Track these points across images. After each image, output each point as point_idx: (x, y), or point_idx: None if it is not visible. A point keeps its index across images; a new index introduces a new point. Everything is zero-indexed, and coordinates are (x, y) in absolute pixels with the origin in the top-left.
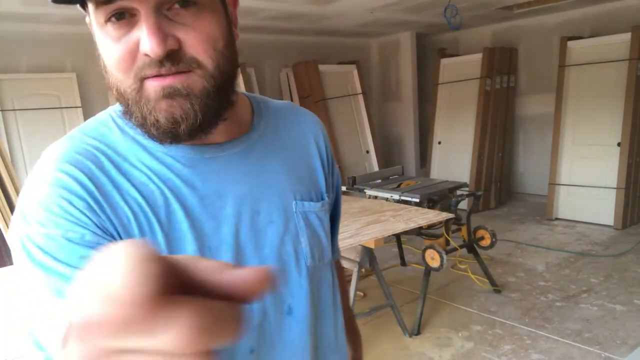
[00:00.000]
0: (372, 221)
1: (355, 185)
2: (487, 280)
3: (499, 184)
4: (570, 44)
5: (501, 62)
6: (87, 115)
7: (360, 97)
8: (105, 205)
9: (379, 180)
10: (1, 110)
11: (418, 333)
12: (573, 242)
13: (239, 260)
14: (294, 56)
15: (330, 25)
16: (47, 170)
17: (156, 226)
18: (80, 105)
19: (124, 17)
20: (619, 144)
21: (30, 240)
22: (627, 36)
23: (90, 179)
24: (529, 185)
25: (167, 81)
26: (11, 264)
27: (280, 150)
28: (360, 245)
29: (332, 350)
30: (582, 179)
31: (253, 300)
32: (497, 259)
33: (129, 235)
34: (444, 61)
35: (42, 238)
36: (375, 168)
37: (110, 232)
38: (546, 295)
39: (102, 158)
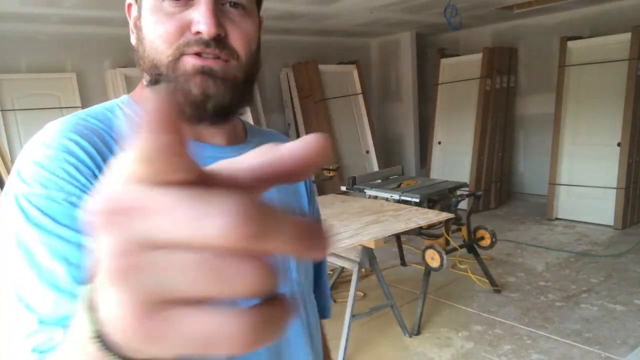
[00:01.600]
0: (372, 221)
1: (355, 185)
2: (487, 280)
3: (499, 184)
4: (570, 44)
5: (501, 62)
6: None
7: (360, 97)
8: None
9: (379, 180)
10: (1, 110)
11: (418, 333)
12: (573, 242)
13: None
14: (294, 56)
15: (330, 25)
16: (52, 137)
17: None
18: (80, 105)
19: None
20: (619, 144)
21: (28, 201)
22: (627, 36)
23: (97, 151)
24: (529, 185)
25: (207, 62)
26: None
27: None
28: (360, 245)
29: None
30: (582, 179)
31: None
32: (497, 259)
33: None
34: (444, 61)
35: (43, 199)
36: (375, 168)
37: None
38: (546, 295)
39: (108, 138)
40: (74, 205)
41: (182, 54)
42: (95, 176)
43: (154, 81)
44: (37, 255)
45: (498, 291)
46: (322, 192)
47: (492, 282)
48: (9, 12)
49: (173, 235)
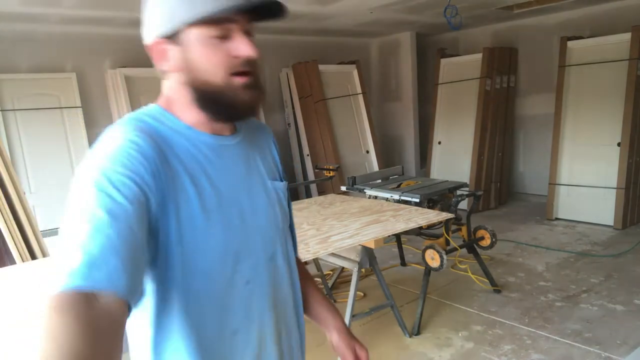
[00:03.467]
0: (372, 221)
1: (355, 185)
2: (487, 280)
3: (499, 184)
4: (570, 44)
5: (501, 62)
6: (87, 115)
7: (360, 97)
8: (163, 173)
9: (379, 180)
10: (1, 110)
11: (418, 333)
12: (573, 242)
13: (242, 215)
14: (294, 56)
15: (330, 25)
16: (123, 135)
17: (192, 191)
18: (80, 105)
19: (222, 37)
20: (619, 144)
21: (101, 173)
22: (627, 36)
23: (157, 151)
24: (529, 185)
25: (248, 79)
26: (11, 263)
27: (255, 146)
28: (360, 245)
29: (288, 303)
30: (582, 179)
31: None
32: (497, 259)
33: (175, 195)
34: (444, 61)
35: (112, 173)
36: (375, 168)
37: (162, 189)
38: (546, 295)
39: (159, 140)
40: (133, 181)
41: (231, 75)
42: (153, 170)
43: (207, 94)
44: (94, 211)
45: (498, 291)
46: (322, 192)
47: (492, 282)
48: (8, 12)
49: None
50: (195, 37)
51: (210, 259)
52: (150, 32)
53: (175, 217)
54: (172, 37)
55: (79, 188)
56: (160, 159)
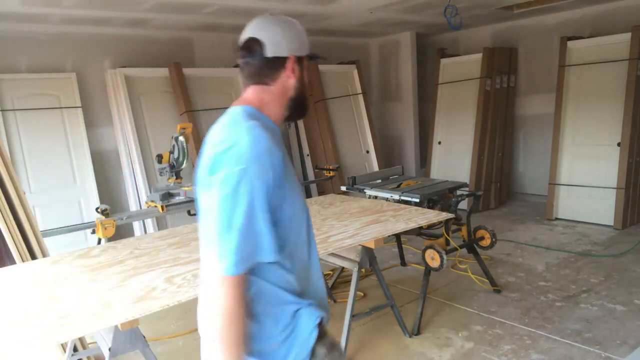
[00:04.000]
0: (372, 221)
1: (355, 185)
2: (487, 280)
3: (499, 184)
4: (570, 44)
5: (501, 62)
6: (87, 115)
7: (360, 97)
8: (282, 163)
9: (379, 180)
10: (1, 110)
11: (418, 333)
12: (573, 242)
13: (298, 180)
14: None
15: (330, 25)
16: (263, 143)
17: (289, 169)
18: (80, 105)
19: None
20: (619, 144)
21: (253, 182)
22: (627, 36)
23: (277, 147)
24: (529, 185)
25: None
26: (11, 263)
27: None
28: (360, 245)
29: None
30: (582, 179)
31: None
32: (497, 259)
33: (285, 172)
34: (444, 61)
35: (259, 183)
36: (375, 168)
37: (281, 176)
38: (546, 295)
39: (271, 135)
40: (273, 185)
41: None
42: (280, 168)
43: (302, 99)
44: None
45: (498, 291)
46: (322, 192)
47: (492, 282)
48: (9, 12)
49: None
50: (306, 64)
51: (300, 214)
52: (286, 50)
53: (288, 186)
54: (299, 59)
55: (237, 188)
56: (278, 153)
